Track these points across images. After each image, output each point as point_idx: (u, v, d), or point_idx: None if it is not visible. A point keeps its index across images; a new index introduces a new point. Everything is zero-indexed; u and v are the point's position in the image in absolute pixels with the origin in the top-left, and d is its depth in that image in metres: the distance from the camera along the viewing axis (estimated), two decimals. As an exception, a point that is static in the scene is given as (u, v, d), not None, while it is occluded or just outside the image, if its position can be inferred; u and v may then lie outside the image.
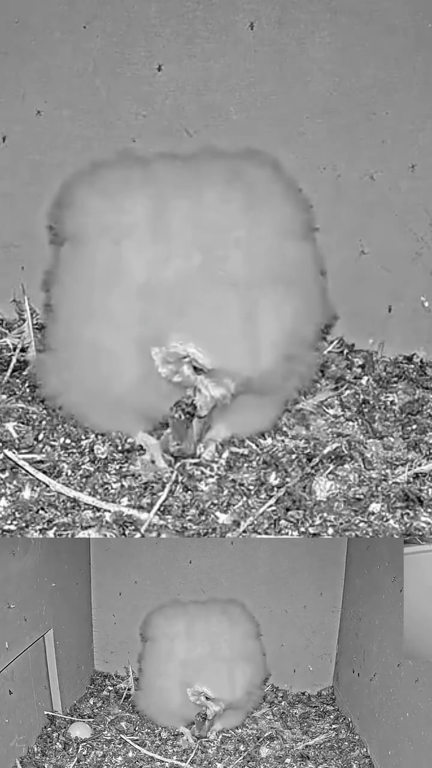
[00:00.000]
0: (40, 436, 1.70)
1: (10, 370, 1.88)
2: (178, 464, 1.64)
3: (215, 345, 1.42)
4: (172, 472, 1.61)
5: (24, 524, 1.50)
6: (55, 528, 1.50)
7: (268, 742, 2.08)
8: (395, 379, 1.99)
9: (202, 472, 1.64)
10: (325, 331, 1.89)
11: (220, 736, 2.09)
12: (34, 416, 1.76)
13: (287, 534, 1.52)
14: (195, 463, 1.65)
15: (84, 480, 1.61)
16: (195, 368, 1.47)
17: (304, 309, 1.50)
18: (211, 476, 1.64)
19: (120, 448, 1.68)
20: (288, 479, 1.63)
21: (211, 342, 1.42)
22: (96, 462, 1.65)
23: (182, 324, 1.43)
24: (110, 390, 1.56)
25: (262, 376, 1.46)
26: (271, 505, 1.56)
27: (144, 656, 2.18)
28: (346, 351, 2.05)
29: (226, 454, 1.69)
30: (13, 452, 1.63)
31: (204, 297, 1.42)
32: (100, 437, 1.70)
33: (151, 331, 1.46)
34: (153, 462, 1.65)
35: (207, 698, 1.98)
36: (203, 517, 1.54)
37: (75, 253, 1.58)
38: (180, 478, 1.61)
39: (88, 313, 1.52)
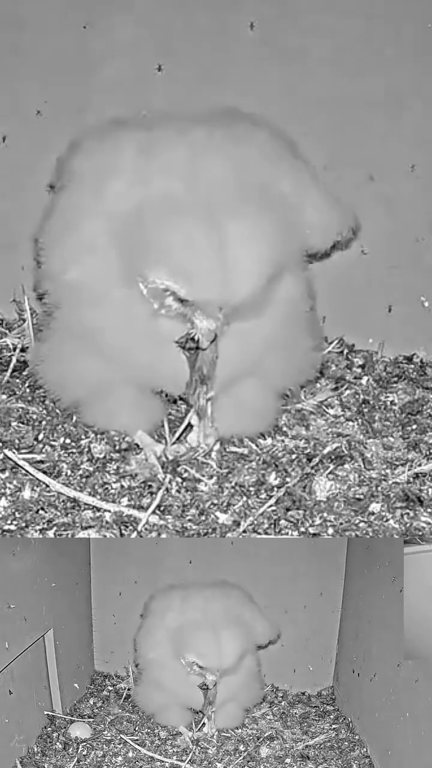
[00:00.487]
0: (40, 436, 1.70)
1: (10, 370, 1.88)
2: (170, 465, 1.64)
3: (190, 277, 1.39)
4: (165, 473, 1.61)
5: (24, 524, 1.50)
6: (55, 528, 1.50)
7: (268, 742, 2.07)
8: (395, 379, 1.99)
9: (197, 476, 1.64)
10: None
11: (220, 737, 2.09)
12: (34, 416, 1.76)
13: (287, 534, 1.52)
14: (193, 460, 1.65)
15: (84, 480, 1.61)
16: (180, 300, 1.44)
17: (279, 231, 1.46)
18: (209, 477, 1.63)
19: (117, 447, 1.68)
20: (288, 479, 1.63)
21: (185, 275, 1.39)
22: (94, 462, 1.65)
23: (156, 259, 1.40)
24: (110, 377, 1.55)
25: (244, 303, 1.43)
26: (271, 505, 1.56)
27: (139, 631, 2.18)
28: (346, 351, 2.06)
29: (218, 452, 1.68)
30: (13, 452, 1.63)
31: (174, 229, 1.39)
32: (98, 436, 1.70)
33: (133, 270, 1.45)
34: (146, 460, 1.65)
35: (200, 667, 1.96)
36: (203, 517, 1.54)
37: (65, 195, 1.58)
38: (172, 478, 1.61)
39: (76, 248, 1.52)
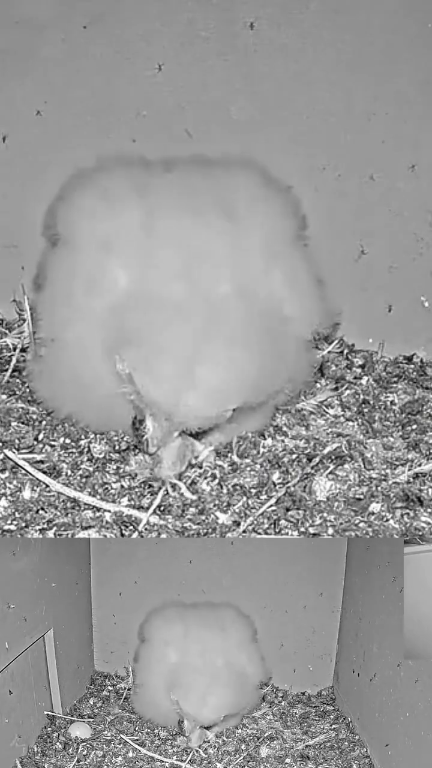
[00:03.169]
0: (40, 436, 1.71)
1: (10, 370, 1.88)
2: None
3: (156, 377, 1.39)
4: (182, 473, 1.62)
5: (24, 524, 1.50)
6: (55, 528, 1.50)
7: (268, 742, 2.08)
8: (395, 379, 1.99)
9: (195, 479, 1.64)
10: (325, 338, 1.87)
11: (221, 738, 2.09)
12: (34, 416, 1.76)
13: (287, 534, 1.52)
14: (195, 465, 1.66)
15: (84, 480, 1.61)
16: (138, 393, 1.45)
17: (269, 361, 1.46)
18: (207, 479, 1.64)
19: (117, 447, 1.68)
20: (288, 479, 1.63)
21: (153, 372, 1.40)
22: (94, 461, 1.65)
23: (136, 342, 1.41)
24: (101, 392, 1.55)
25: (199, 424, 1.45)
26: (271, 505, 1.56)
27: (139, 656, 2.18)
28: (346, 351, 2.05)
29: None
30: (13, 452, 1.63)
31: (164, 324, 1.39)
32: (98, 436, 1.70)
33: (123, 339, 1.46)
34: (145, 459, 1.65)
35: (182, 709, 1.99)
36: (203, 517, 1.54)
37: (63, 253, 1.58)
38: (172, 483, 1.61)
39: (69, 316, 1.52)
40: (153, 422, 1.47)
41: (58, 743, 1.96)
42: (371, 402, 1.89)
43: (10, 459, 1.62)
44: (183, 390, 1.38)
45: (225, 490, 1.60)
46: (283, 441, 1.75)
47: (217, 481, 1.62)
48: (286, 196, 1.64)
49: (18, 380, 1.86)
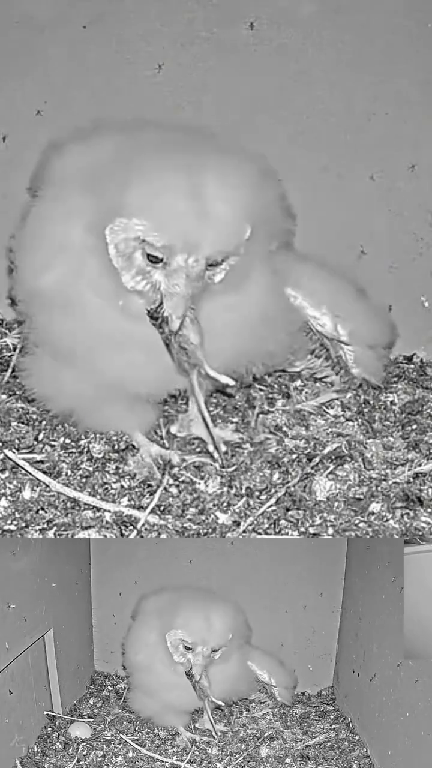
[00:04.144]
0: (40, 436, 1.71)
1: (10, 370, 1.88)
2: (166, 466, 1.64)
3: (164, 220, 1.30)
4: (163, 475, 1.61)
5: (24, 524, 1.51)
6: (55, 528, 1.50)
7: (268, 742, 2.08)
8: (395, 379, 1.99)
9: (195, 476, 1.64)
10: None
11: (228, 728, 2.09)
12: (34, 416, 1.76)
13: (287, 534, 1.52)
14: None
15: (84, 480, 1.61)
16: (150, 257, 1.35)
17: (258, 183, 1.39)
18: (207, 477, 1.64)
19: (116, 447, 1.68)
20: (288, 479, 1.63)
21: (159, 217, 1.30)
22: (94, 461, 1.65)
23: (129, 204, 1.32)
24: (101, 383, 1.52)
25: (222, 252, 1.34)
26: (271, 505, 1.56)
27: (128, 634, 2.16)
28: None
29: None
30: (13, 452, 1.63)
31: (149, 173, 1.31)
32: (97, 436, 1.70)
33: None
34: (143, 459, 1.65)
35: (187, 648, 1.93)
36: (203, 517, 1.54)
37: (40, 201, 1.53)
38: (169, 479, 1.61)
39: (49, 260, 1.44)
40: (172, 282, 1.34)
41: (58, 743, 1.96)
42: (371, 402, 1.89)
43: (10, 459, 1.62)
44: (198, 221, 1.30)
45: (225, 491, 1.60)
46: (283, 441, 1.75)
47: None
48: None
49: (18, 380, 1.85)
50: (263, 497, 1.59)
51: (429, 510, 1.58)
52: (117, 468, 1.64)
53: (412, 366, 2.05)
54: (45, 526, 1.50)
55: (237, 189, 1.34)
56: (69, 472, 1.62)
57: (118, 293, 1.40)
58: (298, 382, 1.94)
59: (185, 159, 1.34)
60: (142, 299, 1.40)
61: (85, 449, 1.68)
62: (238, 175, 1.35)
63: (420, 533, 1.52)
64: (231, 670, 2.04)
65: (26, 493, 1.57)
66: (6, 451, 1.64)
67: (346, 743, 2.05)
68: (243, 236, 1.37)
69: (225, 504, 1.56)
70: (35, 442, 1.69)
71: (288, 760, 1.97)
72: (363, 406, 1.88)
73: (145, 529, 1.50)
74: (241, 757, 1.97)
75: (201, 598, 2.01)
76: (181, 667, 1.95)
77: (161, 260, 1.34)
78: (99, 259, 1.38)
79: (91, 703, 2.32)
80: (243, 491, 1.59)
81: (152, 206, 1.31)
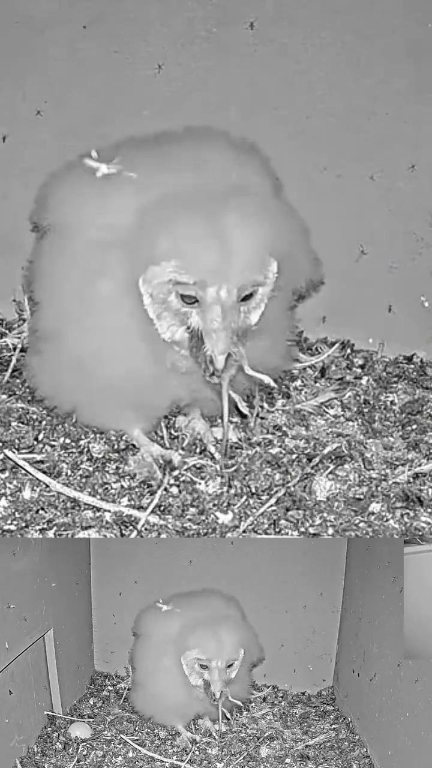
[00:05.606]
0: (40, 436, 1.70)
1: (10, 370, 1.88)
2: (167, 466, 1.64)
3: (193, 261, 1.35)
4: (164, 475, 1.61)
5: (24, 524, 1.50)
6: (55, 528, 1.50)
7: (268, 742, 2.08)
8: (395, 379, 1.99)
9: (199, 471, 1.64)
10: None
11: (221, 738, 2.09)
12: (34, 416, 1.76)
13: (287, 534, 1.52)
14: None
15: (84, 480, 1.61)
16: (183, 298, 1.39)
17: (276, 220, 1.44)
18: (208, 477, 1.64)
19: (116, 447, 1.68)
20: (288, 479, 1.63)
21: (189, 260, 1.35)
22: (94, 461, 1.65)
23: (159, 252, 1.37)
24: (104, 384, 1.54)
25: (249, 281, 1.39)
26: (271, 505, 1.56)
27: (136, 649, 2.18)
28: (346, 351, 2.06)
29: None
30: (13, 452, 1.63)
31: (174, 221, 1.37)
32: (97, 436, 1.70)
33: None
34: (144, 459, 1.65)
35: (202, 666, 1.95)
36: (203, 517, 1.54)
37: (56, 244, 1.55)
38: (169, 480, 1.61)
39: (72, 307, 1.50)
40: (206, 313, 1.38)
41: (58, 743, 1.96)
42: (371, 402, 1.89)
43: (10, 459, 1.62)
44: (223, 258, 1.35)
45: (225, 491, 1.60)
46: (283, 441, 1.75)
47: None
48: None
49: (18, 380, 1.86)
50: (263, 497, 1.59)
51: (429, 510, 1.58)
52: (117, 468, 1.64)
53: (412, 366, 2.05)
54: (45, 526, 1.50)
55: (258, 227, 1.38)
56: (69, 472, 1.62)
57: (156, 353, 1.47)
58: (298, 382, 1.94)
59: (207, 206, 1.38)
60: (180, 349, 1.45)
61: (85, 449, 1.68)
62: (258, 214, 1.40)
63: (420, 533, 1.52)
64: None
65: (26, 493, 1.57)
66: (6, 451, 1.64)
67: (346, 743, 2.05)
68: (269, 267, 1.43)
69: (225, 504, 1.56)
70: (35, 442, 1.69)
71: (288, 760, 1.97)
72: (363, 406, 1.88)
73: (145, 529, 1.50)
74: (241, 757, 1.97)
75: (209, 616, 2.02)
76: (200, 692, 1.97)
77: (195, 299, 1.39)
78: (131, 311, 1.44)
79: (91, 703, 2.32)
80: (243, 491, 1.60)
81: (180, 250, 1.36)
